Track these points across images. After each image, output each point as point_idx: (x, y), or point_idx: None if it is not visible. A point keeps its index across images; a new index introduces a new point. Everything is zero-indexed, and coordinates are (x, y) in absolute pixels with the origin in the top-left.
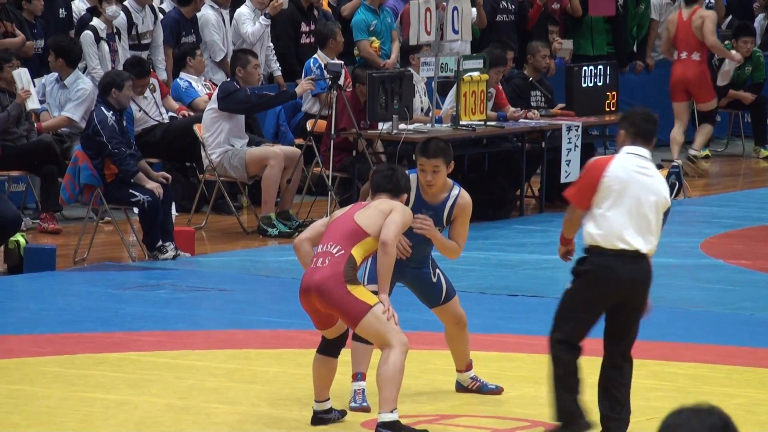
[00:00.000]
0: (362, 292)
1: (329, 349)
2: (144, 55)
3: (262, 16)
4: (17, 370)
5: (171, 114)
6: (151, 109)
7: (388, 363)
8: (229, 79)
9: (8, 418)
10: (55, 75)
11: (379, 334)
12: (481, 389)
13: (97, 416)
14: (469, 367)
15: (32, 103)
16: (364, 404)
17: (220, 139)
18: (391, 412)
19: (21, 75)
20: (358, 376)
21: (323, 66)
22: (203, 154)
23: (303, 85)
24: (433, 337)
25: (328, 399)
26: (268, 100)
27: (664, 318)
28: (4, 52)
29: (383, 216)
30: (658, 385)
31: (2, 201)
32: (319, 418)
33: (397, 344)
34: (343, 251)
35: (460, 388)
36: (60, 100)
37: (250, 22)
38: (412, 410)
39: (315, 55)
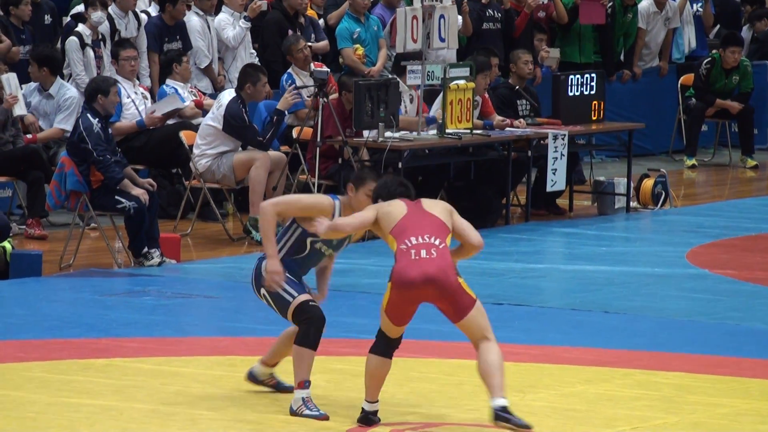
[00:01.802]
0: (466, 285)
1: (389, 350)
2: None
3: (242, 20)
4: (2, 376)
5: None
6: (139, 105)
7: (494, 353)
8: (235, 96)
9: None
10: (35, 84)
11: (480, 327)
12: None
13: (82, 422)
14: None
15: (19, 109)
16: (322, 413)
17: (213, 149)
18: (504, 397)
19: (9, 80)
20: (306, 384)
21: (294, 80)
22: (191, 161)
23: (286, 100)
24: (417, 345)
25: (378, 401)
26: (270, 137)
27: (649, 327)
28: None
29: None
30: (643, 394)
31: None
32: (369, 419)
33: (494, 338)
34: (444, 243)
35: None
36: (45, 109)
37: (231, 27)
38: (397, 418)
39: (289, 69)
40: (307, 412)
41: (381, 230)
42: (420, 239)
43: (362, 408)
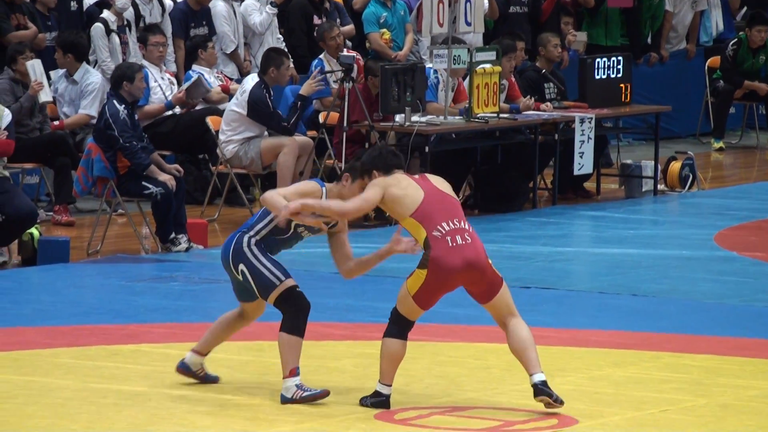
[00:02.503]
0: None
1: (406, 332)
2: None
3: (268, 5)
4: (31, 362)
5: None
6: (165, 90)
7: (525, 329)
8: (258, 81)
9: (22, 409)
10: (62, 71)
11: (508, 304)
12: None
13: (110, 408)
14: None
15: (45, 96)
16: (322, 389)
17: (239, 135)
18: (542, 371)
19: (34, 66)
20: (297, 371)
21: (324, 66)
22: (218, 147)
23: (309, 86)
24: (446, 329)
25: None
26: (294, 122)
27: (677, 310)
28: (18, 44)
29: None
30: (672, 377)
31: (18, 195)
32: (388, 402)
33: (518, 314)
34: (470, 225)
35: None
36: (71, 95)
37: (257, 13)
38: (425, 402)
39: (321, 55)
40: (307, 393)
41: (395, 212)
42: (451, 224)
43: (378, 392)
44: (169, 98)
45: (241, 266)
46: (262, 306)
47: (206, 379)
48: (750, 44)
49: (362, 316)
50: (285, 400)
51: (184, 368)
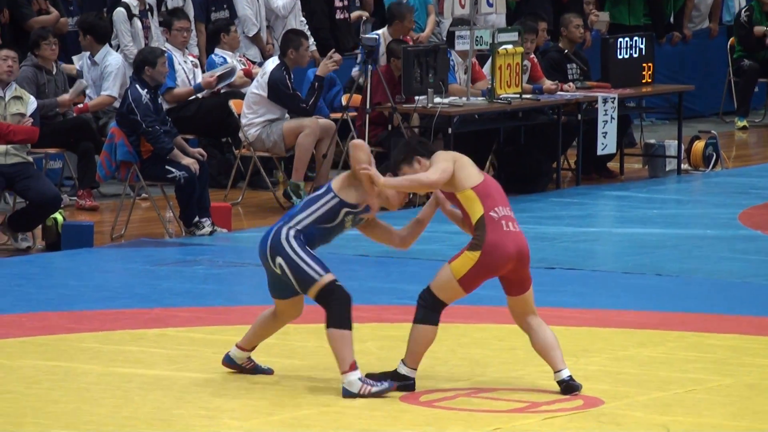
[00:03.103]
0: None
1: (439, 317)
2: None
3: None
4: (56, 347)
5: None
6: (189, 73)
7: (549, 329)
8: (278, 63)
9: (48, 394)
10: (86, 54)
11: (533, 302)
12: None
13: (136, 392)
14: None
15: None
16: (390, 382)
17: (260, 117)
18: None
19: (78, 87)
20: (356, 365)
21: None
22: (241, 130)
23: (325, 66)
24: (470, 310)
25: None
26: (314, 102)
27: (702, 290)
28: (41, 29)
29: None
30: (697, 356)
31: (41, 180)
32: (414, 386)
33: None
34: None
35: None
36: (92, 77)
37: None
38: (450, 384)
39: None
40: (376, 389)
41: (457, 180)
42: (505, 210)
43: (406, 375)
44: (192, 82)
45: (279, 259)
46: (298, 306)
47: (256, 371)
48: (764, 8)
49: (387, 299)
50: (350, 395)
51: (228, 361)
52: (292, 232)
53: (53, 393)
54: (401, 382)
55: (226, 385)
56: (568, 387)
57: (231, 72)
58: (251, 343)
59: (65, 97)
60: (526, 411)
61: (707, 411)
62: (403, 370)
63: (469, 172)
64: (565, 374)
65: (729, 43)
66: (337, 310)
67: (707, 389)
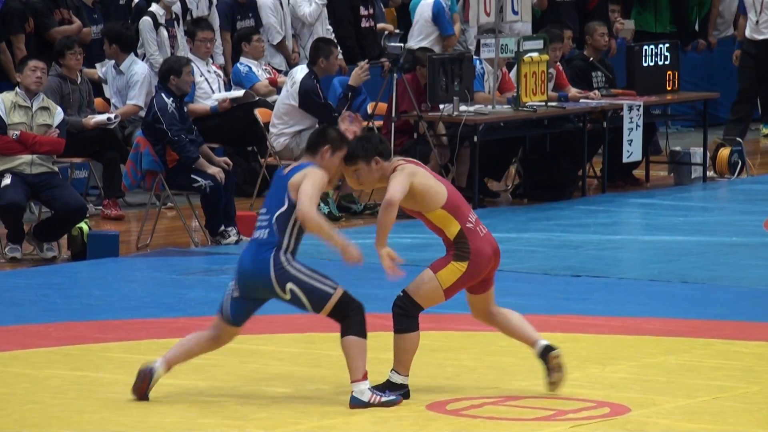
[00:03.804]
0: None
1: (418, 322)
2: None
3: None
4: (82, 357)
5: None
6: (212, 83)
7: (509, 310)
8: (308, 72)
9: (74, 404)
10: (110, 62)
11: (493, 294)
12: None
13: (162, 401)
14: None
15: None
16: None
17: (291, 128)
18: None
19: (109, 118)
20: (366, 375)
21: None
22: (268, 139)
23: (358, 76)
24: None
25: None
26: (345, 110)
27: (728, 297)
28: (66, 39)
29: None
30: (724, 364)
31: (67, 189)
32: (409, 393)
33: None
34: None
35: None
36: (118, 86)
37: (306, 4)
38: (477, 392)
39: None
40: (386, 399)
41: (423, 204)
42: (472, 215)
43: (399, 383)
44: (216, 91)
45: (290, 285)
46: (236, 334)
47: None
48: None
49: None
50: (359, 404)
51: (148, 373)
52: (289, 256)
53: (79, 403)
54: (398, 392)
55: (251, 394)
56: (546, 349)
57: (246, 96)
58: (178, 360)
59: (90, 122)
60: (552, 419)
61: (734, 418)
62: (398, 379)
63: (435, 190)
64: (543, 342)
65: None
66: (356, 319)
67: (734, 396)
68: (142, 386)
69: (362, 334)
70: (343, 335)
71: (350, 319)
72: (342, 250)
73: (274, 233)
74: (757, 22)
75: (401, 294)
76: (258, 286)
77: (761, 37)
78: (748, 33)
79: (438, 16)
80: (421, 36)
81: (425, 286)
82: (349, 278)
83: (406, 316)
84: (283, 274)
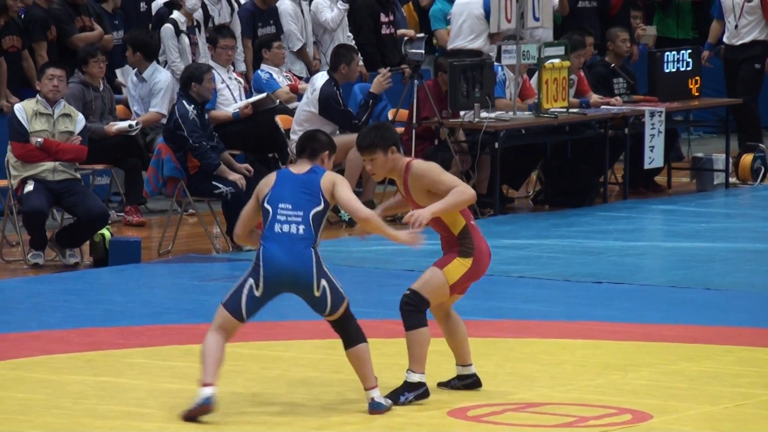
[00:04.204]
0: None
1: (426, 317)
2: None
3: (340, 1)
4: (104, 362)
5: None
6: (234, 90)
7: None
8: (328, 79)
9: (96, 409)
10: (132, 70)
11: None
12: None
13: (184, 407)
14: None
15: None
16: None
17: None
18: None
19: (130, 125)
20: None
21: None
22: (288, 146)
23: (380, 83)
24: (518, 325)
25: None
26: (365, 120)
27: (751, 304)
28: (89, 46)
29: None
30: (746, 371)
31: (89, 196)
32: (428, 391)
33: None
34: None
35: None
36: (140, 94)
37: (328, 9)
38: (498, 398)
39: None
40: (403, 398)
41: (440, 198)
42: (472, 215)
43: (417, 382)
44: (237, 98)
45: (323, 282)
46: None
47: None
48: None
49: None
50: (381, 409)
51: (208, 403)
52: (319, 253)
53: (101, 408)
54: (417, 391)
55: (273, 400)
56: (475, 383)
57: (266, 100)
58: (216, 375)
59: (111, 129)
60: (574, 426)
61: (757, 426)
62: (415, 378)
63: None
64: (473, 369)
65: None
66: (357, 326)
67: (757, 403)
68: (199, 413)
69: (366, 340)
70: (353, 344)
71: (355, 326)
72: (403, 241)
73: (311, 229)
74: (736, 26)
75: (408, 292)
76: (292, 281)
77: (740, 42)
78: (726, 38)
79: (490, 12)
80: (473, 35)
81: (432, 281)
82: (369, 285)
83: (415, 311)
84: (320, 270)
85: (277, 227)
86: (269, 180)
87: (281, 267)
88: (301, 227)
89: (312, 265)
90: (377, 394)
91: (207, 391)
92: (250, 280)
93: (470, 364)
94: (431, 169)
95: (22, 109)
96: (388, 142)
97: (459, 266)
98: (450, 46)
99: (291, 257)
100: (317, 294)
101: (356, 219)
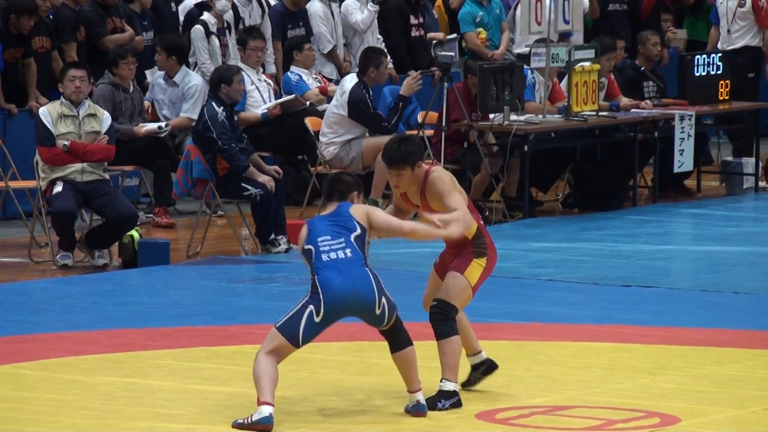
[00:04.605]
0: None
1: (456, 325)
2: None
3: (370, 3)
4: (132, 364)
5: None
6: (263, 92)
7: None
8: (357, 81)
9: (124, 410)
10: (160, 73)
11: None
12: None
13: (212, 409)
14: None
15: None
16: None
17: (341, 137)
18: None
19: (159, 126)
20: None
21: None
22: (318, 148)
23: (409, 86)
24: (546, 328)
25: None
26: (395, 122)
27: None
28: (120, 48)
29: None
30: None
31: (118, 198)
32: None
33: None
34: None
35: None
36: (170, 98)
37: (358, 11)
38: (527, 401)
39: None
40: (440, 406)
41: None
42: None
43: (452, 390)
44: (267, 100)
45: (383, 299)
46: None
47: None
48: None
49: None
50: (425, 411)
51: (268, 422)
52: (373, 269)
53: (130, 410)
54: (452, 399)
55: (301, 402)
56: (490, 366)
57: (295, 101)
58: (273, 394)
59: (141, 130)
60: (602, 429)
61: None
62: (450, 387)
63: (461, 191)
64: (484, 354)
65: None
66: (404, 330)
67: None
68: (257, 431)
69: (412, 343)
70: (402, 347)
71: (402, 330)
72: (447, 235)
73: (357, 251)
74: (729, 31)
75: (434, 302)
76: (355, 305)
77: (731, 47)
78: (719, 44)
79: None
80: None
81: (456, 287)
82: (397, 287)
83: (445, 319)
84: (380, 289)
85: (324, 257)
86: (302, 233)
87: (343, 292)
88: (348, 250)
89: (372, 286)
90: (422, 397)
91: (266, 410)
92: (310, 307)
93: (480, 351)
94: (445, 182)
95: (47, 112)
96: (416, 158)
97: (477, 267)
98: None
99: (351, 281)
100: (378, 312)
101: (402, 236)
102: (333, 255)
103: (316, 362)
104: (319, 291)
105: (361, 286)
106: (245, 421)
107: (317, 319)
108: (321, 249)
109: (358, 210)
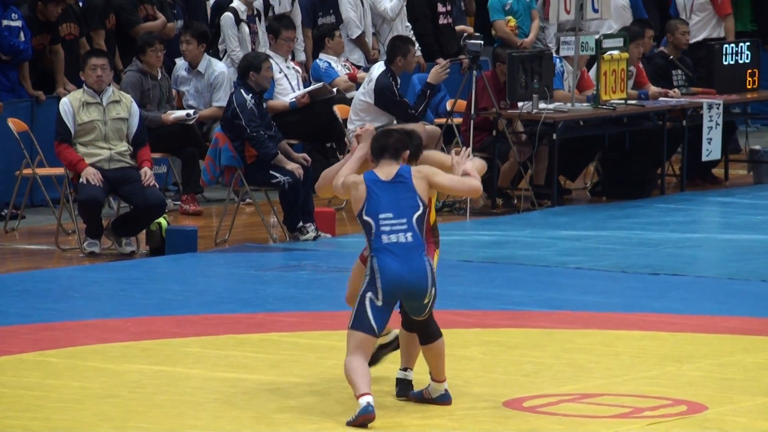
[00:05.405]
0: None
1: None
2: None
3: None
4: (160, 351)
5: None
6: (292, 80)
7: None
8: (384, 70)
9: (152, 398)
10: (184, 62)
11: None
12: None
13: (239, 397)
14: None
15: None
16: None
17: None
18: None
19: (188, 114)
20: None
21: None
22: (346, 136)
23: (437, 74)
24: (574, 316)
25: None
26: (422, 110)
27: None
28: (147, 35)
29: None
30: None
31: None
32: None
33: None
34: None
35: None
36: (196, 87)
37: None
38: (554, 389)
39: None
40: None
41: (433, 192)
42: None
43: (446, 389)
44: (295, 87)
45: (434, 290)
46: None
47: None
48: None
49: (490, 304)
50: (449, 400)
51: (373, 414)
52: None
53: (157, 397)
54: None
55: (329, 390)
56: (391, 343)
57: (323, 89)
58: (369, 386)
59: (169, 118)
60: (630, 417)
61: None
62: (442, 387)
63: None
64: (411, 375)
65: None
66: (435, 321)
67: None
68: (363, 421)
69: (442, 335)
70: (433, 339)
71: (434, 322)
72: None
73: (418, 236)
74: (688, 24)
75: None
76: (408, 292)
77: (693, 41)
78: None
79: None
80: (617, 24)
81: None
82: None
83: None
84: (433, 278)
85: (384, 238)
86: (359, 191)
87: (399, 278)
88: (409, 234)
89: (428, 276)
90: (446, 387)
91: (363, 400)
92: (369, 294)
93: (410, 368)
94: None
95: (68, 102)
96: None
97: (436, 258)
98: None
99: (409, 268)
100: (426, 301)
101: (471, 193)
102: (394, 238)
103: (343, 350)
104: (376, 275)
105: (418, 276)
106: (353, 419)
107: (379, 303)
108: (382, 228)
109: (420, 179)
